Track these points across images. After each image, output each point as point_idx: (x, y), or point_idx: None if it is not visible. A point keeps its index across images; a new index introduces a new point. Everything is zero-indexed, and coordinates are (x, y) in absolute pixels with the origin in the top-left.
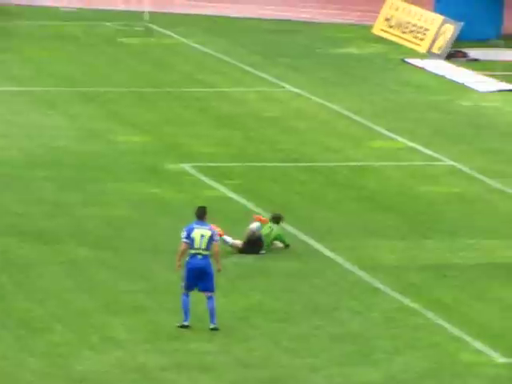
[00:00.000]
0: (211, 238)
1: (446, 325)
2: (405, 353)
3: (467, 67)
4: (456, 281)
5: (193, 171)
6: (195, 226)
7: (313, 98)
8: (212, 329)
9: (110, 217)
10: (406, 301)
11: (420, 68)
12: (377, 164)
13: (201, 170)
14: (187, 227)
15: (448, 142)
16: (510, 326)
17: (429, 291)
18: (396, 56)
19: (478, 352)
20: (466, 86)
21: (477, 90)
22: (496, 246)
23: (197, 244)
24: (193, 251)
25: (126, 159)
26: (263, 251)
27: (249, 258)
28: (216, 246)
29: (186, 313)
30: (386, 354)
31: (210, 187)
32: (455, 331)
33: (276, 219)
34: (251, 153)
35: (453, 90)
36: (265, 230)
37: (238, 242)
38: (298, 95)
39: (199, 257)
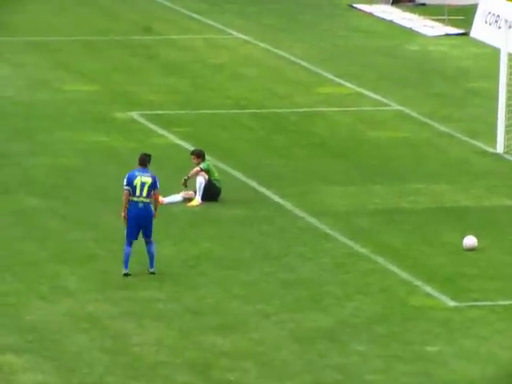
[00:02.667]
0: (152, 186)
1: (396, 269)
2: (355, 298)
3: (414, 12)
4: (405, 225)
5: (141, 119)
6: (137, 173)
7: (261, 44)
8: (150, 273)
9: (58, 166)
10: (356, 246)
11: (368, 13)
12: (325, 110)
13: (149, 117)
14: (129, 174)
15: (396, 87)
16: (459, 270)
17: (378, 236)
18: (343, 1)
19: (429, 296)
20: (413, 31)
21: (424, 35)
22: (445, 190)
23: (138, 192)
24: (134, 199)
25: (74, 108)
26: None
27: (198, 206)
28: (156, 193)
29: (126, 262)
30: (336, 299)
31: (159, 135)
32: (405, 276)
33: (203, 155)
34: (199, 100)
35: (400, 34)
36: (209, 167)
37: (190, 193)
38: (246, 42)
39: (140, 205)
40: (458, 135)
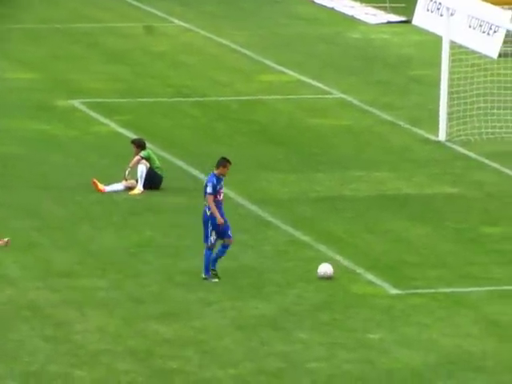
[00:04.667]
0: (204, 188)
1: (338, 257)
2: (297, 286)
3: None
4: (347, 213)
5: (82, 107)
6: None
7: (201, 32)
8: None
9: None
10: (298, 234)
11: (309, 1)
12: (267, 97)
13: (90, 105)
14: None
15: (338, 75)
16: (400, 257)
17: (320, 224)
18: None
19: (371, 284)
20: (355, 19)
21: (366, 23)
22: (386, 177)
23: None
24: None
25: (15, 96)
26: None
27: (140, 195)
28: (207, 197)
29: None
30: (278, 287)
31: (100, 123)
32: (347, 263)
33: (144, 144)
34: (141, 88)
35: (342, 22)
36: (150, 155)
37: (132, 182)
38: (187, 29)
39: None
40: (400, 122)
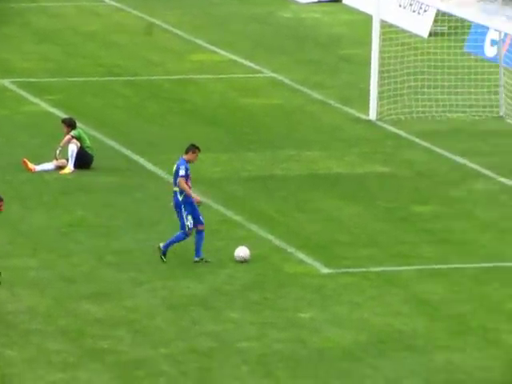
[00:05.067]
0: (175, 174)
1: (270, 236)
2: (229, 265)
3: None
4: (279, 192)
5: (13, 87)
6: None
7: (133, 11)
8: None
9: None
10: (230, 213)
11: None
12: (198, 77)
13: (21, 85)
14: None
15: (269, 54)
16: (332, 237)
17: (252, 203)
18: None
19: (302, 263)
20: None
21: (297, 2)
22: (317, 157)
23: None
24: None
25: None
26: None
27: (71, 174)
28: (179, 180)
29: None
30: (210, 266)
31: (31, 102)
32: (279, 243)
33: (74, 123)
34: (72, 68)
35: (273, 1)
36: (81, 134)
37: (63, 161)
38: (118, 9)
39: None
40: (331, 102)
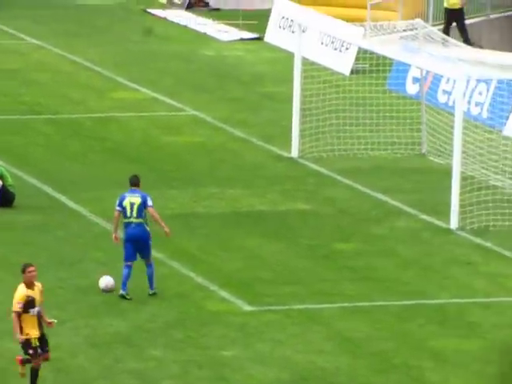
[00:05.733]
0: (142, 205)
1: (192, 274)
2: (151, 303)
3: (209, 17)
4: (201, 230)
5: None
6: (127, 194)
7: (54, 49)
8: (151, 294)
9: None
10: (152, 251)
11: (162, 18)
12: (120, 115)
13: None
14: (120, 196)
15: (191, 92)
16: (254, 274)
17: (174, 241)
18: (137, 6)
19: (225, 301)
20: (208, 36)
21: (219, 40)
22: (240, 194)
23: (128, 213)
24: (126, 220)
25: None
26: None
27: None
28: (151, 211)
29: (125, 284)
30: (132, 304)
31: None
32: (201, 280)
33: None
34: None
35: (195, 39)
36: (3, 172)
37: None
38: (39, 47)
39: (132, 225)
40: (253, 139)
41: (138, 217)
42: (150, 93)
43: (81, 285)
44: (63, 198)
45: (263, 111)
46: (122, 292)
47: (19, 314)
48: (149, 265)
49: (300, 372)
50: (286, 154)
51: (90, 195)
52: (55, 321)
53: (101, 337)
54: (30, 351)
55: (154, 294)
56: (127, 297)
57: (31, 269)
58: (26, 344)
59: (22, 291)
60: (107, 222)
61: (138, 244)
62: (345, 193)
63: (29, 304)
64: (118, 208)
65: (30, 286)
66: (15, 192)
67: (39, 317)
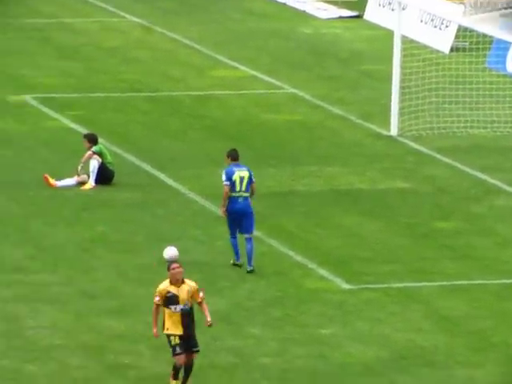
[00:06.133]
0: (250, 179)
1: (291, 252)
2: (250, 280)
3: None
4: (299, 208)
5: (34, 102)
6: (235, 168)
7: (154, 27)
8: (249, 271)
9: None
10: None
11: None
12: (219, 93)
13: (43, 101)
14: (228, 170)
15: (290, 70)
16: (353, 253)
17: (272, 219)
18: None
19: (323, 279)
20: (307, 14)
21: (318, 17)
22: (339, 172)
23: (237, 187)
24: (234, 194)
25: None
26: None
27: (92, 190)
28: (255, 186)
29: (237, 253)
30: (231, 281)
31: (52, 118)
32: (299, 258)
33: (96, 138)
34: (93, 83)
35: (294, 17)
36: (102, 150)
37: (84, 177)
38: (139, 25)
39: (240, 199)
40: (352, 117)
41: (246, 191)
42: (249, 71)
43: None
44: (162, 176)
45: (362, 89)
46: (237, 261)
47: (157, 306)
48: (249, 240)
49: (399, 350)
50: (384, 132)
51: (188, 173)
52: (210, 322)
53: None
54: (170, 348)
55: (252, 271)
56: (240, 264)
57: (174, 265)
58: (167, 339)
59: (162, 285)
60: (206, 200)
61: (242, 218)
62: (444, 171)
63: (169, 300)
64: (227, 183)
65: (174, 282)
66: (114, 169)
67: (184, 316)
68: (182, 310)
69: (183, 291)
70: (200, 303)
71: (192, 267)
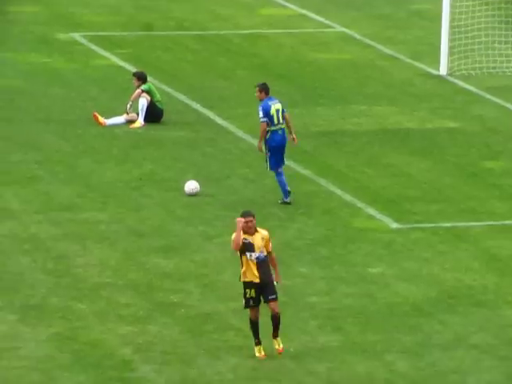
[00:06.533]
0: (283, 110)
1: (339, 191)
2: (298, 220)
3: None
4: (348, 147)
5: (83, 40)
6: (269, 102)
7: None
8: (284, 203)
9: (1, 87)
10: (299, 168)
11: None
12: (268, 31)
13: (92, 39)
14: (263, 106)
15: (339, 9)
16: (402, 192)
17: (321, 158)
18: None
19: (372, 218)
20: None
21: None
22: (387, 112)
23: (276, 120)
24: (274, 128)
25: (17, 29)
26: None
27: (141, 128)
28: (288, 115)
29: (285, 191)
30: (279, 221)
31: (101, 56)
32: (348, 198)
33: (145, 77)
34: (142, 21)
35: None
36: (151, 88)
37: (133, 115)
38: None
39: (279, 132)
40: (402, 57)
41: (282, 122)
42: (299, 9)
43: (228, 201)
44: (211, 114)
45: (412, 28)
46: (285, 199)
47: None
48: (282, 173)
49: (447, 290)
50: (434, 72)
51: (237, 111)
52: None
53: None
54: (244, 300)
55: (287, 203)
56: (289, 202)
57: (248, 219)
58: (243, 289)
59: (236, 233)
60: (254, 138)
61: (282, 150)
62: (493, 111)
63: (245, 246)
64: (264, 119)
65: (247, 232)
66: (163, 108)
67: (261, 263)
68: (257, 257)
69: (257, 239)
70: (269, 253)
71: (241, 206)
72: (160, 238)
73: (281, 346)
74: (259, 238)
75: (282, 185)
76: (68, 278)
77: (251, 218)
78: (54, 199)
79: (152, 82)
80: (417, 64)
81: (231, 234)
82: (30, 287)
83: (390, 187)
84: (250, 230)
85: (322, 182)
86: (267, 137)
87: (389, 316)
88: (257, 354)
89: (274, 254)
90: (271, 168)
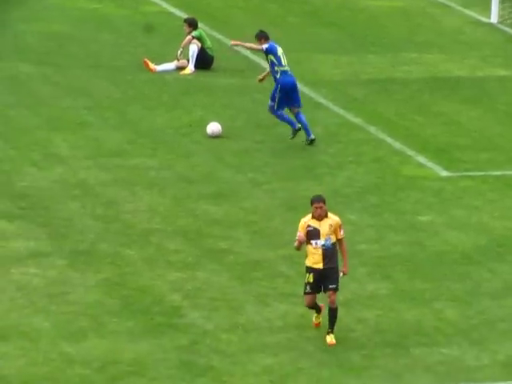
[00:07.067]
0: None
1: (389, 139)
2: (348, 167)
3: None
4: (398, 95)
5: None
6: (275, 44)
7: None
8: (313, 139)
9: (51, 33)
10: (349, 116)
11: None
12: None
13: None
14: (270, 46)
15: None
16: (452, 140)
17: (371, 106)
18: None
19: (421, 166)
20: None
21: None
22: (438, 60)
23: (283, 61)
24: (282, 68)
25: None
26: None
27: (191, 75)
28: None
29: (291, 121)
30: (329, 168)
31: (152, 3)
32: (398, 146)
33: (196, 23)
34: None
35: None
36: (202, 35)
37: (183, 62)
38: None
39: (289, 73)
40: (453, 4)
41: (288, 65)
42: None
43: (278, 148)
44: (260, 60)
45: None
46: (311, 137)
47: (299, 244)
48: (299, 113)
49: (496, 238)
50: (485, 20)
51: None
52: (345, 271)
53: (297, 200)
54: (305, 284)
55: (313, 140)
56: (298, 128)
57: (317, 205)
58: (305, 270)
59: (304, 219)
60: (304, 86)
61: (294, 91)
62: None
63: (310, 234)
64: (265, 49)
65: (316, 218)
66: (214, 55)
67: (325, 250)
68: (323, 245)
69: (325, 225)
70: (340, 240)
71: (290, 153)
72: (209, 185)
73: (333, 341)
74: (327, 224)
75: (286, 117)
76: (117, 223)
77: (321, 204)
78: (104, 145)
79: (203, 28)
80: (467, 12)
81: (281, 181)
82: (79, 233)
83: (440, 135)
84: (319, 217)
85: (372, 129)
86: (278, 76)
87: (438, 264)
88: (313, 320)
89: (344, 242)
90: (278, 107)
